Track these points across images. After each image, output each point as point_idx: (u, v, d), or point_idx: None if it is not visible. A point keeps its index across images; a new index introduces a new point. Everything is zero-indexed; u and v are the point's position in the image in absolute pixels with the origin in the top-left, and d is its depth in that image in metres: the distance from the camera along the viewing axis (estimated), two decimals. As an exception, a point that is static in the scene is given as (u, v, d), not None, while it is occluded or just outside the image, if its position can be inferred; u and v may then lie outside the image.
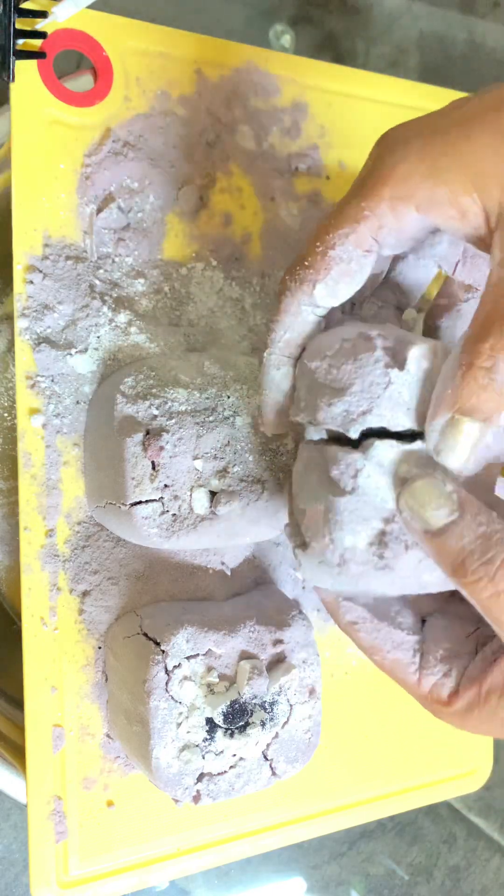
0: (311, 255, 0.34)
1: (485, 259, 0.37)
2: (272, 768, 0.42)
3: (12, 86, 0.42)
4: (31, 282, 0.42)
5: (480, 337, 0.29)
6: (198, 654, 0.41)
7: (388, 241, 0.33)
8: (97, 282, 0.44)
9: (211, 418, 0.41)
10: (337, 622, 0.35)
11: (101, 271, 0.44)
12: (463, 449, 0.29)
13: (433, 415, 0.30)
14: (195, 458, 0.41)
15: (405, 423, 0.31)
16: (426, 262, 0.38)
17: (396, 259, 0.39)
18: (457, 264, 0.37)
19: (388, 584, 0.32)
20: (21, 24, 0.41)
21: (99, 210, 0.44)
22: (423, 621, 0.35)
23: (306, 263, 0.34)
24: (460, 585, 0.29)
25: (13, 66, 0.41)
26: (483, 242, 0.31)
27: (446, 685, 0.33)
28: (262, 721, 0.41)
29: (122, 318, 0.44)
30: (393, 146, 0.32)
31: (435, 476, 0.30)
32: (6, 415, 0.49)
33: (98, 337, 0.44)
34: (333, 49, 0.70)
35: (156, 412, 0.40)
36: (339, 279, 0.33)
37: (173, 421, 0.40)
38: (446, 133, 0.31)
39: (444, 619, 0.35)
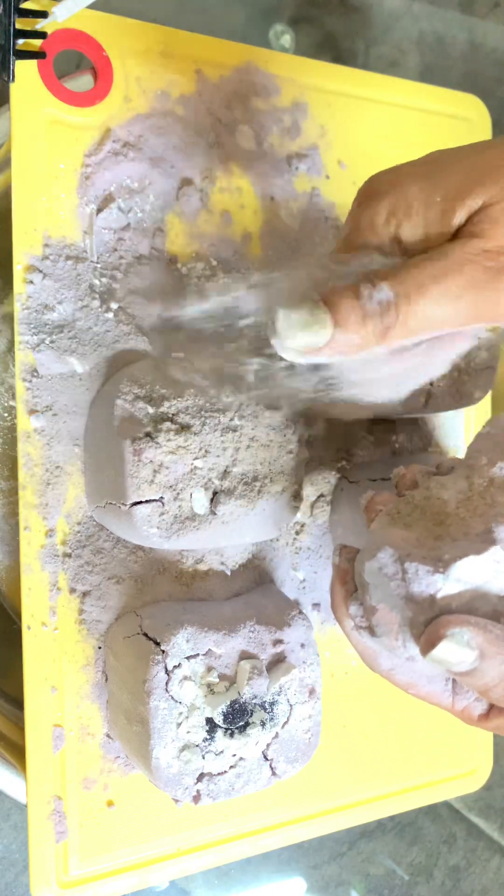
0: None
1: None
2: (272, 768, 0.42)
3: (12, 86, 0.42)
4: (31, 282, 0.42)
5: (394, 274, 0.31)
6: (198, 654, 0.41)
7: None
8: (97, 282, 0.44)
9: (211, 418, 0.41)
10: (370, 665, 0.37)
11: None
12: (305, 335, 0.31)
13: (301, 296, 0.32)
14: (195, 458, 0.41)
15: None
16: None
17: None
18: None
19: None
20: (21, 24, 0.41)
21: (99, 210, 0.44)
22: None
23: None
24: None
25: (13, 66, 0.41)
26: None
27: (478, 708, 0.35)
28: (262, 721, 0.41)
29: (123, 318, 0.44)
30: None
31: (453, 635, 0.31)
32: (6, 415, 0.49)
33: (98, 337, 0.44)
34: (333, 49, 0.70)
35: (156, 412, 0.40)
36: None
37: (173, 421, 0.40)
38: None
39: None
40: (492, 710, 0.35)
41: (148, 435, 0.40)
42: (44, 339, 0.42)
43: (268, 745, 0.42)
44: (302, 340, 0.31)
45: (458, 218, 0.33)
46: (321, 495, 0.51)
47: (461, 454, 0.55)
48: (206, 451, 0.41)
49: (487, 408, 0.57)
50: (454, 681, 0.36)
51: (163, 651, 0.40)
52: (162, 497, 0.40)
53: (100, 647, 0.44)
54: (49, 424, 0.43)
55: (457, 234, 0.33)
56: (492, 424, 0.38)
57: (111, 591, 0.44)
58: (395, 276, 0.32)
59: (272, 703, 0.42)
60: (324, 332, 0.31)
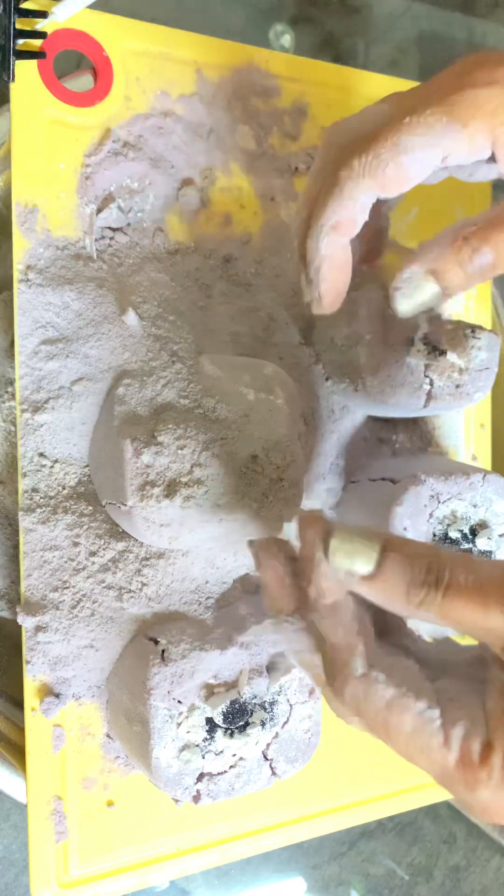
0: (380, 146, 0.36)
1: None
2: (272, 768, 0.42)
3: (12, 86, 0.42)
4: (31, 281, 0.42)
5: (485, 229, 0.34)
6: (198, 654, 0.41)
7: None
8: (97, 281, 0.44)
9: (212, 417, 0.41)
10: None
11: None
12: (415, 299, 0.36)
13: (412, 260, 0.36)
14: (196, 458, 0.41)
15: None
16: None
17: None
18: None
19: None
20: (21, 24, 0.41)
21: (99, 210, 0.44)
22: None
23: (373, 154, 0.36)
24: (413, 615, 0.28)
25: (13, 66, 0.41)
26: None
27: (476, 748, 0.27)
28: (262, 721, 0.41)
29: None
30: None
31: (342, 531, 0.28)
32: (6, 414, 0.49)
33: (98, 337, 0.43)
34: (333, 49, 0.70)
35: (156, 412, 0.40)
36: (407, 167, 0.36)
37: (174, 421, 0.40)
38: None
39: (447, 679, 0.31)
40: (494, 745, 0.27)
41: (148, 435, 0.40)
42: (44, 341, 0.42)
43: (268, 745, 0.42)
44: None
45: None
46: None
47: (460, 454, 0.55)
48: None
49: (487, 408, 0.57)
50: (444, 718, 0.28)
51: (163, 651, 0.40)
52: (162, 497, 0.40)
53: (100, 647, 0.44)
54: (49, 423, 0.42)
55: None
56: None
57: (111, 591, 0.44)
58: None
59: (272, 703, 0.42)
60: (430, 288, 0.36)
